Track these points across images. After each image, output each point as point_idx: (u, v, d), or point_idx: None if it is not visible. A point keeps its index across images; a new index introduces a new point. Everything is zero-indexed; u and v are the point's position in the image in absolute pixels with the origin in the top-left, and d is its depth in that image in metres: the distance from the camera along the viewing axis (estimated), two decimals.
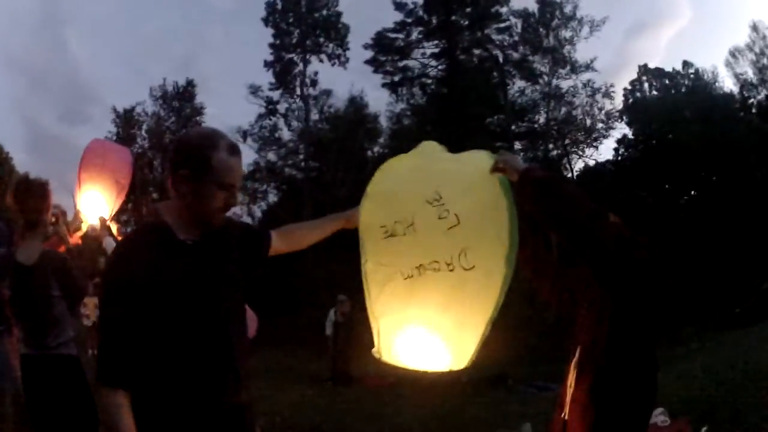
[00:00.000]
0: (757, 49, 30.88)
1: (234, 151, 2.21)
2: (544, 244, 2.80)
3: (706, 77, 32.98)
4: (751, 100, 29.85)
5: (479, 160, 2.47)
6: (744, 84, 30.78)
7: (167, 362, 2.10)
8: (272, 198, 35.31)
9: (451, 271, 2.29)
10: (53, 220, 4.03)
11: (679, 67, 34.21)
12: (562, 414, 2.54)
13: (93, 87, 56.36)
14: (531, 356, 14.34)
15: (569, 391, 2.52)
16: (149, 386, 2.09)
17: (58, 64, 52.77)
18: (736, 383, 7.23)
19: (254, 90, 34.03)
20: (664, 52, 57.21)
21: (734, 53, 31.79)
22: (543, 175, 2.42)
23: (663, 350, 11.87)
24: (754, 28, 31.18)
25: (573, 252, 2.47)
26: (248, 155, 34.06)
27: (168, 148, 2.44)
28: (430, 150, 2.64)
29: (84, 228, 4.35)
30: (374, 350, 2.57)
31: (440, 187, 2.40)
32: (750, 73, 30.94)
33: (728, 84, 32.08)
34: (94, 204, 4.43)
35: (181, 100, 33.46)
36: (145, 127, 32.95)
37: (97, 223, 4.38)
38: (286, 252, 2.77)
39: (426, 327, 2.37)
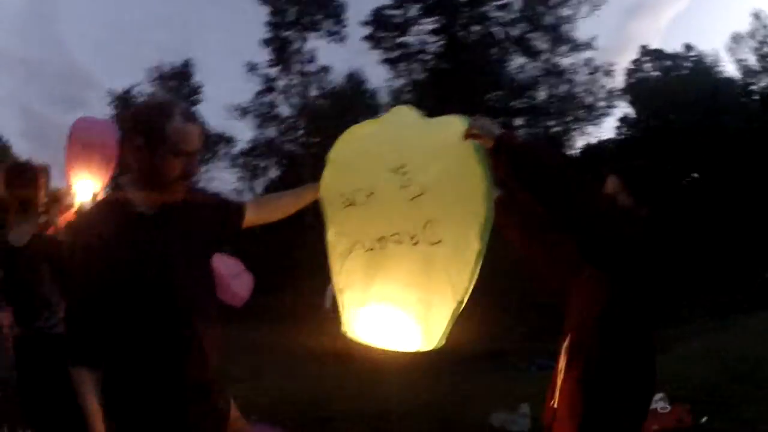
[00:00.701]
0: (759, 37, 30.78)
1: (189, 117, 2.14)
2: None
3: (707, 61, 32.75)
4: (753, 87, 29.66)
5: (451, 125, 2.24)
6: (746, 70, 30.63)
7: (129, 339, 2.08)
8: (273, 173, 35.28)
9: (415, 244, 2.11)
10: (43, 209, 4.01)
11: (678, 48, 34.14)
12: (552, 402, 2.39)
13: (88, 73, 56.54)
14: (533, 332, 14.24)
15: (560, 378, 2.37)
16: (114, 364, 2.08)
17: (54, 53, 53.02)
18: (738, 370, 7.08)
19: (252, 67, 34.04)
20: (663, 34, 56.85)
21: (736, 39, 31.69)
22: (521, 142, 2.18)
23: (660, 331, 11.85)
24: (756, 16, 31.10)
25: (555, 226, 2.29)
26: (247, 132, 33.91)
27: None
28: (400, 115, 2.46)
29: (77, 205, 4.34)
30: (342, 327, 2.43)
31: (405, 154, 2.21)
32: (752, 60, 30.84)
33: (730, 69, 32.04)
34: (86, 181, 4.45)
35: (178, 79, 33.20)
36: None
37: (89, 199, 4.38)
38: (263, 223, 2.69)
39: (390, 304, 2.20)
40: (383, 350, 2.40)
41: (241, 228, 2.57)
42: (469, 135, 2.18)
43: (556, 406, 2.35)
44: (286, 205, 2.69)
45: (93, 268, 2.04)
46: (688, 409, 5.71)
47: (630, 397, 2.23)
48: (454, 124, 2.23)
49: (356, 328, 2.34)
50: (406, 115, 2.45)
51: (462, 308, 2.08)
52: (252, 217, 2.58)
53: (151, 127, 2.07)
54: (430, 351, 2.20)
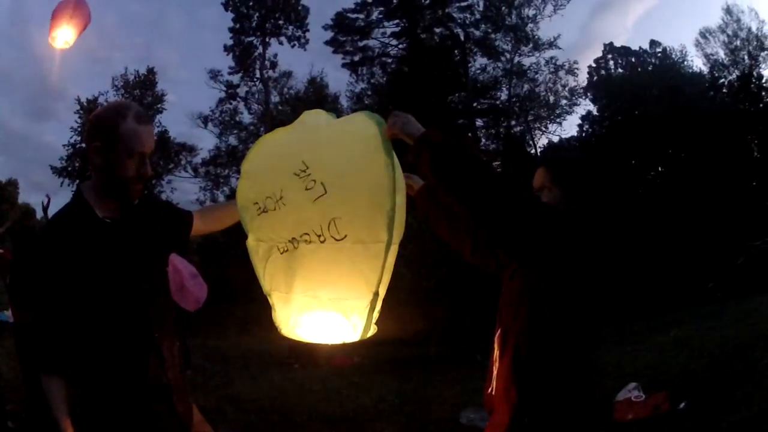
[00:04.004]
0: (729, 31, 31.23)
1: (142, 119, 2.21)
2: None
3: (674, 56, 33.18)
4: (722, 80, 30.14)
5: (354, 121, 2.32)
6: (714, 64, 31.10)
7: (90, 343, 2.14)
8: (234, 182, 35.09)
9: (322, 242, 2.18)
10: None
11: (646, 46, 34.46)
12: (490, 389, 2.41)
13: (57, 82, 55.48)
14: None
15: (495, 367, 2.40)
16: (77, 368, 2.15)
17: (21, 62, 52.07)
18: (714, 357, 7.13)
19: (214, 75, 34.02)
20: (631, 32, 57.33)
21: (705, 34, 32.13)
22: (441, 140, 2.12)
23: (634, 323, 11.99)
24: (728, 11, 31.53)
25: (476, 224, 2.23)
26: (209, 140, 33.69)
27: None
28: (310, 119, 2.51)
29: None
30: (278, 327, 2.48)
31: (307, 157, 2.27)
32: (721, 54, 31.32)
33: (698, 63, 32.38)
34: (64, 32, 5.45)
35: (142, 88, 32.92)
36: None
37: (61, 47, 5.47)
38: (209, 232, 2.88)
39: (311, 301, 2.27)
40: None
41: (189, 236, 2.70)
42: (390, 135, 2.17)
43: (493, 393, 2.38)
44: (230, 214, 2.75)
45: (58, 275, 2.09)
46: (665, 395, 5.72)
47: (563, 383, 2.21)
48: (357, 121, 2.29)
49: (289, 326, 2.38)
50: (316, 118, 2.51)
51: (379, 298, 2.14)
52: (199, 226, 2.71)
53: (107, 129, 2.15)
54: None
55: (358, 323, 2.16)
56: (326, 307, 2.23)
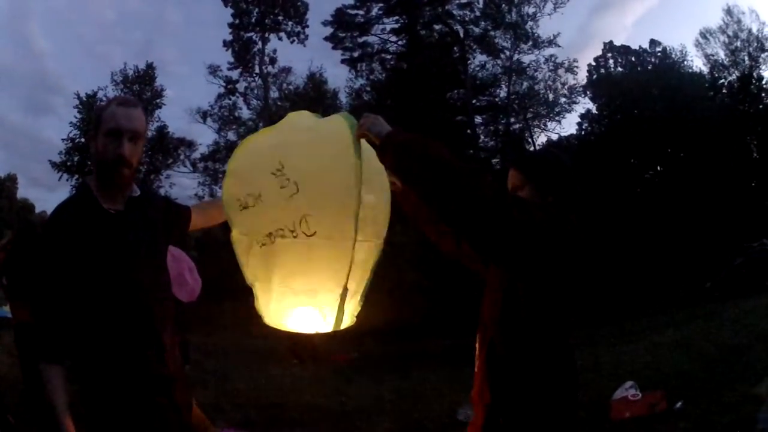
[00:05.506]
0: (730, 32, 31.16)
1: (122, 102, 2.32)
2: None
3: (674, 56, 33.03)
4: (722, 81, 30.08)
5: (330, 122, 2.42)
6: (714, 65, 31.04)
7: (91, 335, 2.18)
8: None
9: (295, 237, 2.27)
10: None
11: (646, 45, 34.36)
12: (472, 391, 2.44)
13: (56, 77, 55.58)
14: None
15: (477, 365, 2.43)
16: (79, 358, 2.19)
17: (21, 58, 52.27)
18: (711, 357, 7.17)
19: (213, 70, 33.97)
20: (631, 31, 57.49)
21: (705, 34, 32.07)
22: (405, 139, 2.08)
23: (631, 323, 12.01)
24: (728, 11, 31.46)
25: (446, 224, 2.18)
26: (208, 135, 33.62)
27: None
28: (294, 120, 2.59)
29: None
30: (261, 315, 2.57)
31: (284, 157, 2.35)
32: (721, 55, 31.26)
33: (698, 64, 32.24)
34: None
35: (141, 83, 32.86)
36: None
37: None
38: (205, 227, 2.95)
39: (287, 291, 2.38)
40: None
41: (187, 230, 2.81)
42: (359, 135, 2.20)
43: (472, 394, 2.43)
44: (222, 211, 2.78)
45: (63, 266, 2.15)
46: (662, 395, 5.73)
47: (538, 383, 2.19)
48: (333, 122, 2.39)
49: (269, 315, 2.48)
50: (300, 118, 2.59)
51: (351, 292, 2.27)
52: (196, 221, 2.80)
53: (95, 116, 2.32)
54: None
55: (329, 316, 2.29)
56: (301, 298, 2.35)
